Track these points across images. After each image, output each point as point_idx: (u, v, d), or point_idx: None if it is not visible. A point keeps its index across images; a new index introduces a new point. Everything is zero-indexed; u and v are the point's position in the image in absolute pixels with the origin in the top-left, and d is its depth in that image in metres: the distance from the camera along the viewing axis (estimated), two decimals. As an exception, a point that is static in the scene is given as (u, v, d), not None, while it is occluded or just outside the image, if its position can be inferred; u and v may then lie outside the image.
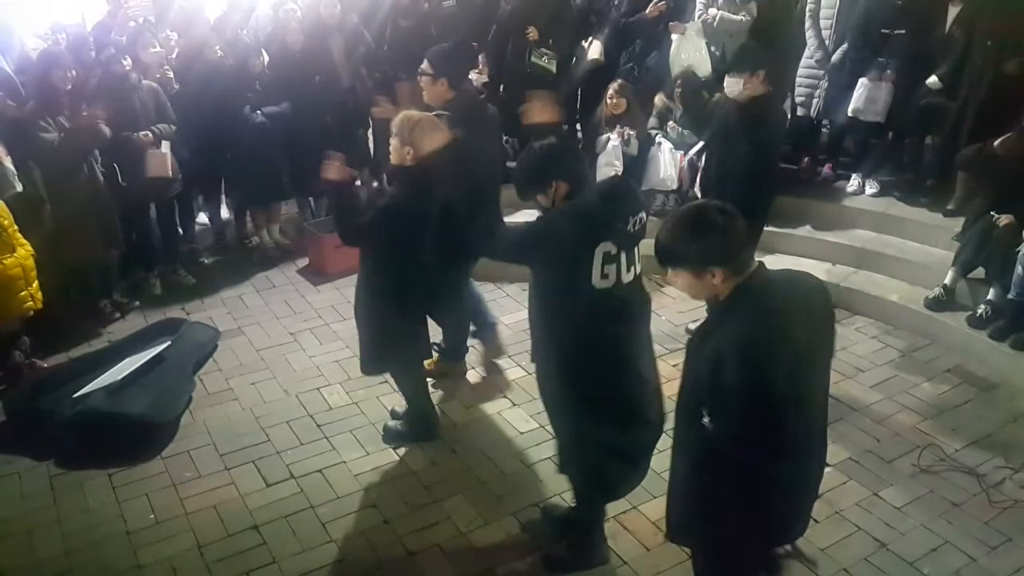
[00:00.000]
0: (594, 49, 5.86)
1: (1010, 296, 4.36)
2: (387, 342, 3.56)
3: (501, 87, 6.27)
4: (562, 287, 2.63)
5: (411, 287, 3.46)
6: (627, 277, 2.66)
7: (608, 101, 5.53)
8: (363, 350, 3.66)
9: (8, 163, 4.14)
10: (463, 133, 3.50)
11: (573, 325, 2.65)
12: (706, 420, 1.98)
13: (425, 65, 3.80)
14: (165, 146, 5.01)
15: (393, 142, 3.36)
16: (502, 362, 4.53)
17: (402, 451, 3.83)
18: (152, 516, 3.42)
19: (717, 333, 2.00)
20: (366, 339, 3.62)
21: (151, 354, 4.26)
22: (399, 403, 4.13)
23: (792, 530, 2.27)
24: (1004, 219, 4.44)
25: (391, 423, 3.96)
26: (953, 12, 5.28)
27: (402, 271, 3.41)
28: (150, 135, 4.90)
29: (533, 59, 5.73)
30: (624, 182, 2.80)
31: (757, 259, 2.10)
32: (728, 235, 1.98)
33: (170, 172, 5.05)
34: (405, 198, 3.33)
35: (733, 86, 4.23)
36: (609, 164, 5.55)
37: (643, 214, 2.71)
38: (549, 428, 3.91)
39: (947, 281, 4.71)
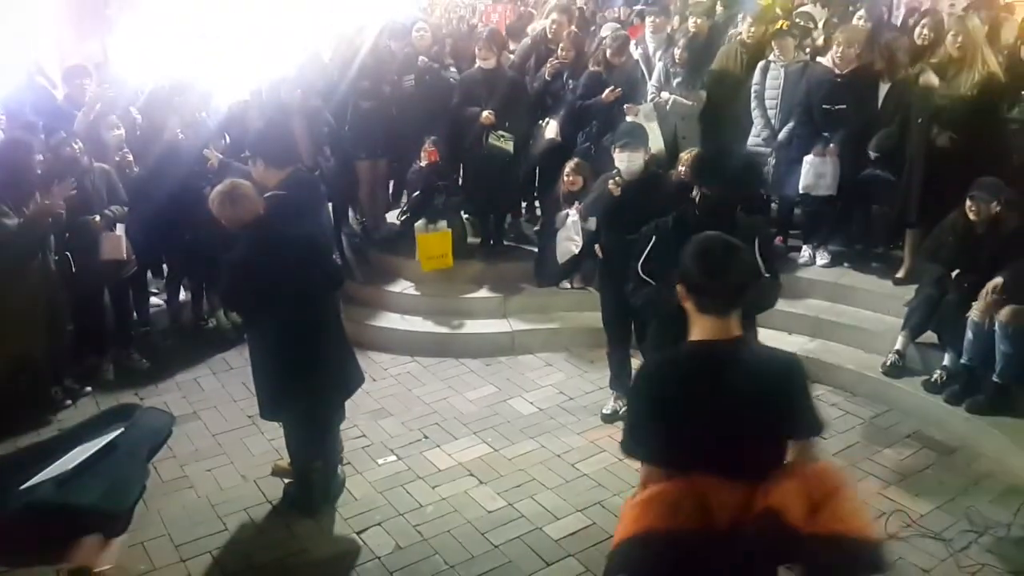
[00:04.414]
0: (550, 129, 6.03)
1: (962, 361, 4.48)
2: (276, 392, 3.73)
3: (461, 166, 6.41)
4: None
5: (279, 340, 3.61)
6: None
7: (565, 178, 5.66)
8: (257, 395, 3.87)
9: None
10: (294, 206, 3.89)
11: None
12: None
13: (247, 152, 3.97)
14: (119, 228, 4.98)
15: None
16: (466, 440, 4.46)
17: (367, 536, 3.71)
18: (102, 616, 3.24)
19: None
20: (257, 386, 3.84)
21: (103, 441, 4.09)
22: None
23: None
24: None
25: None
26: (884, 88, 5.58)
27: (268, 325, 3.63)
28: (103, 218, 4.88)
29: (491, 140, 5.87)
30: None
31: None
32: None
33: (124, 254, 5.01)
34: (243, 252, 3.58)
35: (627, 161, 4.41)
36: (569, 239, 5.64)
37: None
38: (518, 506, 3.87)
39: (898, 346, 4.82)
